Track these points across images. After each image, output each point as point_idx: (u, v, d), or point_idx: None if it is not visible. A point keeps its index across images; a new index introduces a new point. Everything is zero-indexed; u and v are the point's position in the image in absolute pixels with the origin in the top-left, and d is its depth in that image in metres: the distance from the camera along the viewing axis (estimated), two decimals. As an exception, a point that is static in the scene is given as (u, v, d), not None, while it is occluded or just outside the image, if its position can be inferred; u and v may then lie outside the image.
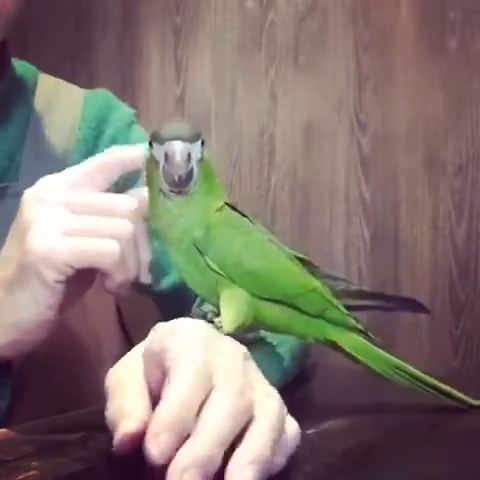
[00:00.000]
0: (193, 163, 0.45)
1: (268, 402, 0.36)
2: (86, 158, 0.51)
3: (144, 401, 0.37)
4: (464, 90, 1.37)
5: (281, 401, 0.38)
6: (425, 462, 0.42)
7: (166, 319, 0.42)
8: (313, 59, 1.49)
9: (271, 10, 1.52)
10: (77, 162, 0.51)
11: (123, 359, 0.41)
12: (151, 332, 0.41)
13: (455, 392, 0.53)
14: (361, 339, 0.51)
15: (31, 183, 0.49)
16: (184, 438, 0.33)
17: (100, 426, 0.39)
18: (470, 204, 1.37)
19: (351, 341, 0.51)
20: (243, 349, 0.40)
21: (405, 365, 0.52)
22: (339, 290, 0.52)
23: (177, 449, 0.32)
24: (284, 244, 0.51)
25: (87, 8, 1.71)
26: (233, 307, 0.47)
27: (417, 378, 0.52)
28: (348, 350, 0.51)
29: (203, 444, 0.32)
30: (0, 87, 0.70)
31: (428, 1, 1.40)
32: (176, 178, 0.44)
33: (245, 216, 0.49)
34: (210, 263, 0.47)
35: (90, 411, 0.39)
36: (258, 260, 0.48)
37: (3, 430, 0.47)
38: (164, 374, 0.36)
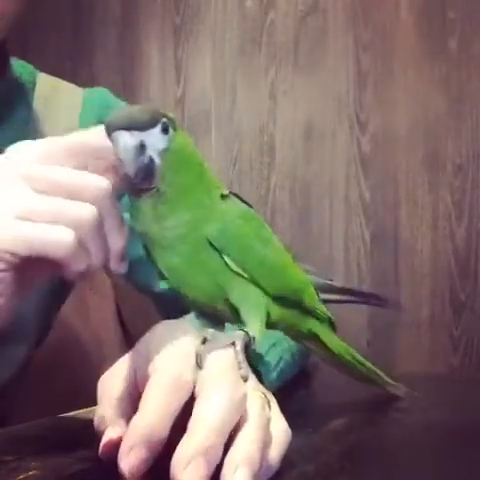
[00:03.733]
0: (152, 154, 0.39)
1: (252, 403, 0.36)
2: None
3: (126, 409, 0.37)
4: (464, 90, 1.37)
5: (265, 401, 0.38)
6: (425, 461, 0.42)
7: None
8: (313, 59, 1.49)
9: (271, 10, 1.52)
10: None
11: (113, 367, 0.41)
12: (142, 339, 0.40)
13: (389, 380, 0.56)
14: (331, 332, 0.52)
15: None
16: (163, 446, 0.33)
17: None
18: (470, 204, 1.37)
19: (327, 334, 0.52)
20: (230, 352, 0.39)
21: (356, 354, 0.54)
22: (318, 284, 0.52)
23: (156, 458, 0.32)
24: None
25: (87, 8, 1.71)
26: (257, 313, 0.43)
27: (364, 366, 0.54)
28: (328, 344, 0.51)
29: (202, 434, 0.32)
30: None
31: (428, 1, 1.40)
32: (131, 175, 0.39)
33: (249, 205, 0.46)
34: (230, 263, 0.42)
35: (91, 410, 0.39)
36: (275, 256, 0.45)
37: (3, 430, 0.47)
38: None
